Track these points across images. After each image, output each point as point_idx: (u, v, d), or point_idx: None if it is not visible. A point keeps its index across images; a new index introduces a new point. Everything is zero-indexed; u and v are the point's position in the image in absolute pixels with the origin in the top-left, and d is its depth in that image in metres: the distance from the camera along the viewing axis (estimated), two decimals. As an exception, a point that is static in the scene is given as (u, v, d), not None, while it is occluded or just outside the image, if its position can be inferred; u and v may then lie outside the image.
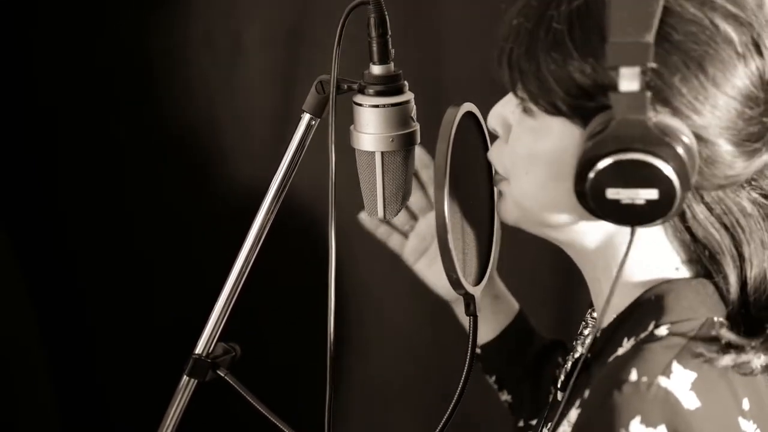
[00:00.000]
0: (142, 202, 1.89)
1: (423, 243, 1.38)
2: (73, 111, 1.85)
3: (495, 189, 1.11)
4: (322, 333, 1.11)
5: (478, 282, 1.11)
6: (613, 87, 0.90)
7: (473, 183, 1.11)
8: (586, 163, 0.91)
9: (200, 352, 1.20)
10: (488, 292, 1.36)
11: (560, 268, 1.90)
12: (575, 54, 0.94)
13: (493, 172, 1.10)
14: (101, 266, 1.92)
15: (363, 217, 1.41)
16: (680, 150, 0.90)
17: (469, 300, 1.07)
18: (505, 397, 1.38)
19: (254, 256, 1.18)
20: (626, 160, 0.90)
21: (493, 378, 1.39)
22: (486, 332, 1.37)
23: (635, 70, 0.89)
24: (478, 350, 1.38)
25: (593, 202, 0.92)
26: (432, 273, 1.38)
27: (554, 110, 0.97)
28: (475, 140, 1.11)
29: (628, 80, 0.89)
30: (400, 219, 1.41)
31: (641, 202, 0.91)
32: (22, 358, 1.87)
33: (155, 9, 1.80)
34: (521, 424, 1.37)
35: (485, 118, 1.11)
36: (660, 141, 0.89)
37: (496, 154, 1.08)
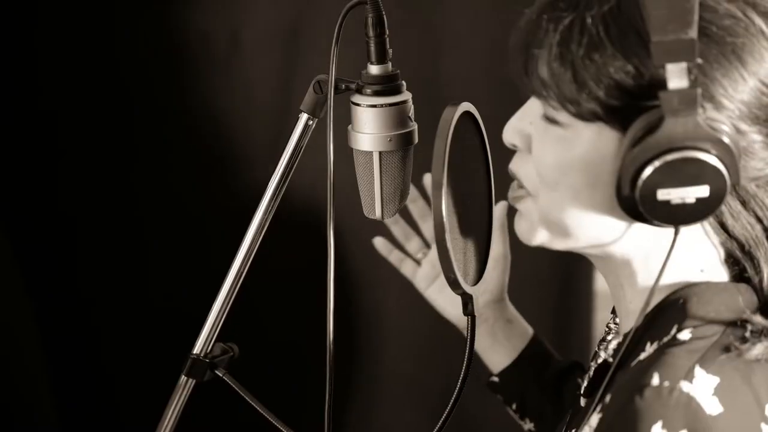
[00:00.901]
0: (139, 202, 1.89)
1: (434, 270, 1.40)
2: (72, 111, 1.85)
3: (515, 207, 1.09)
4: (321, 332, 1.11)
5: (476, 282, 1.10)
6: (660, 86, 0.90)
7: (471, 183, 1.11)
8: (638, 165, 0.90)
9: (198, 352, 1.20)
10: (501, 316, 1.36)
11: (558, 278, 1.90)
12: (618, 55, 0.93)
13: (511, 190, 1.09)
14: (99, 266, 1.92)
15: (377, 242, 1.44)
16: (730, 144, 0.90)
17: (467, 300, 1.07)
18: (528, 426, 1.37)
19: (252, 256, 1.18)
20: (681, 158, 0.89)
21: (514, 406, 1.38)
22: (501, 359, 1.37)
23: (682, 67, 0.88)
24: (495, 379, 1.38)
25: (643, 205, 0.92)
26: (442, 299, 1.39)
27: (591, 116, 0.95)
28: (472, 139, 1.11)
29: (677, 77, 0.89)
30: (414, 246, 1.44)
31: (691, 200, 0.91)
32: (20, 358, 1.87)
33: (153, 8, 1.79)
34: None
35: (484, 118, 1.11)
36: (712, 137, 0.89)
37: (519, 167, 1.05)
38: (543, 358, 1.38)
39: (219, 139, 1.86)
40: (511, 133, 1.04)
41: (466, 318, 1.06)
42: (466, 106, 1.07)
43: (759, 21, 0.94)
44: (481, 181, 1.13)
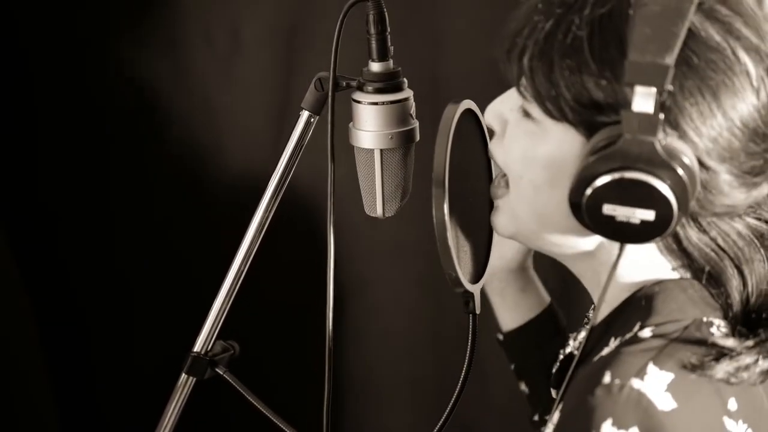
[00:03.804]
0: (138, 199, 1.89)
1: None
2: (66, 108, 1.85)
3: (494, 201, 1.10)
4: (321, 331, 1.11)
5: (477, 280, 1.10)
6: (626, 105, 0.88)
7: (473, 180, 1.11)
8: (587, 176, 0.90)
9: (199, 350, 1.20)
10: (512, 284, 1.35)
11: (558, 277, 1.90)
12: (592, 64, 0.91)
13: (493, 183, 1.09)
14: (98, 265, 1.92)
15: None
16: (684, 175, 0.88)
17: (468, 298, 1.07)
18: (522, 387, 1.37)
19: (253, 254, 1.18)
20: (629, 178, 0.88)
21: (513, 366, 1.38)
22: (508, 321, 1.36)
23: (651, 91, 0.87)
24: (500, 337, 1.37)
25: (587, 215, 0.91)
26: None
27: (559, 115, 0.94)
28: (474, 137, 1.11)
29: (643, 100, 0.87)
30: None
31: (636, 221, 0.90)
32: (18, 357, 1.87)
33: (154, 5, 1.79)
34: (536, 418, 1.36)
35: (485, 116, 1.11)
36: (666, 164, 0.88)
37: (495, 150, 1.06)
38: (550, 331, 1.37)
39: (220, 137, 1.86)
40: (491, 116, 1.05)
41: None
42: (467, 103, 1.07)
43: (745, 59, 0.91)
44: (482, 178, 1.13)
